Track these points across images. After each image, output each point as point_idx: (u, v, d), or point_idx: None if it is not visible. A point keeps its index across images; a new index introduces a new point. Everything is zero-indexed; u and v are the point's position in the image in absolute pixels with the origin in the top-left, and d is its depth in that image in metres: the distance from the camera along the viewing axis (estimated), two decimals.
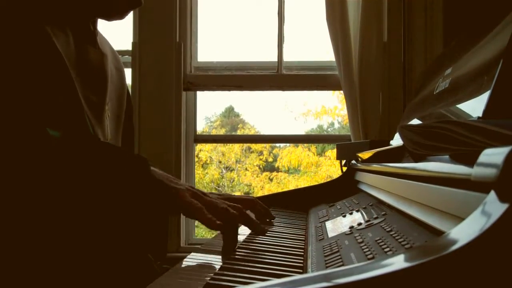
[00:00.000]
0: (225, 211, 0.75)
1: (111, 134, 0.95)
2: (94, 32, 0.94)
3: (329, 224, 0.85)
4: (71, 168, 0.72)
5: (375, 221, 0.69)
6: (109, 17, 0.93)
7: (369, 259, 0.53)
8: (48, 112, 0.77)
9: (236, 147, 6.11)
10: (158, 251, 0.75)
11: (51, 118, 0.77)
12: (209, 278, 0.55)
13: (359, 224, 0.73)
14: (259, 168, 6.11)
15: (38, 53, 0.79)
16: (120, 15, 0.92)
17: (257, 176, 6.04)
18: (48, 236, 0.72)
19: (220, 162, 6.17)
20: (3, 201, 0.69)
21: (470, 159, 0.40)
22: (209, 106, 6.98)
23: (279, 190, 2.30)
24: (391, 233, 0.59)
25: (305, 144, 5.79)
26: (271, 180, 5.97)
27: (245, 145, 6.09)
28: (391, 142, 1.20)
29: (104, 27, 0.99)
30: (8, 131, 0.69)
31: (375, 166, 0.94)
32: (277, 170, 6.01)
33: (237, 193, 5.56)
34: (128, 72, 1.97)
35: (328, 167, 5.65)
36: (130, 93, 1.16)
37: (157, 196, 0.75)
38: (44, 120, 0.75)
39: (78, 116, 0.84)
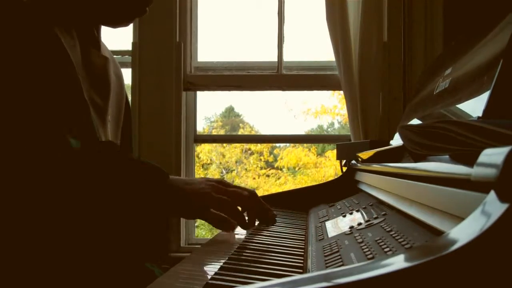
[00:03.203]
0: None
1: (111, 138, 0.96)
2: (97, 38, 0.95)
3: (329, 224, 0.85)
4: (89, 178, 0.73)
5: (375, 221, 0.69)
6: (115, 24, 0.94)
7: (369, 259, 0.53)
8: (61, 115, 0.78)
9: (237, 149, 6.10)
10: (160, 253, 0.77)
11: (63, 120, 0.78)
12: (209, 278, 0.55)
13: (359, 224, 0.73)
14: (259, 169, 6.10)
15: (48, 54, 0.79)
16: (126, 23, 0.94)
17: (258, 177, 6.03)
18: (59, 241, 0.73)
19: (220, 163, 6.17)
20: (18, 206, 0.69)
21: (470, 159, 0.40)
22: (209, 106, 6.96)
23: (279, 190, 2.30)
24: (391, 233, 0.59)
25: (305, 145, 5.79)
26: (268, 176, 5.96)
27: (245, 147, 6.08)
28: (391, 142, 1.20)
29: (104, 27, 0.99)
30: (23, 135, 0.70)
31: (375, 166, 0.94)
32: (276, 169, 6.00)
33: None
34: (128, 72, 1.97)
35: (328, 168, 5.65)
36: (130, 93, 1.17)
37: (175, 203, 0.80)
38: (60, 124, 0.76)
39: (86, 118, 0.84)
